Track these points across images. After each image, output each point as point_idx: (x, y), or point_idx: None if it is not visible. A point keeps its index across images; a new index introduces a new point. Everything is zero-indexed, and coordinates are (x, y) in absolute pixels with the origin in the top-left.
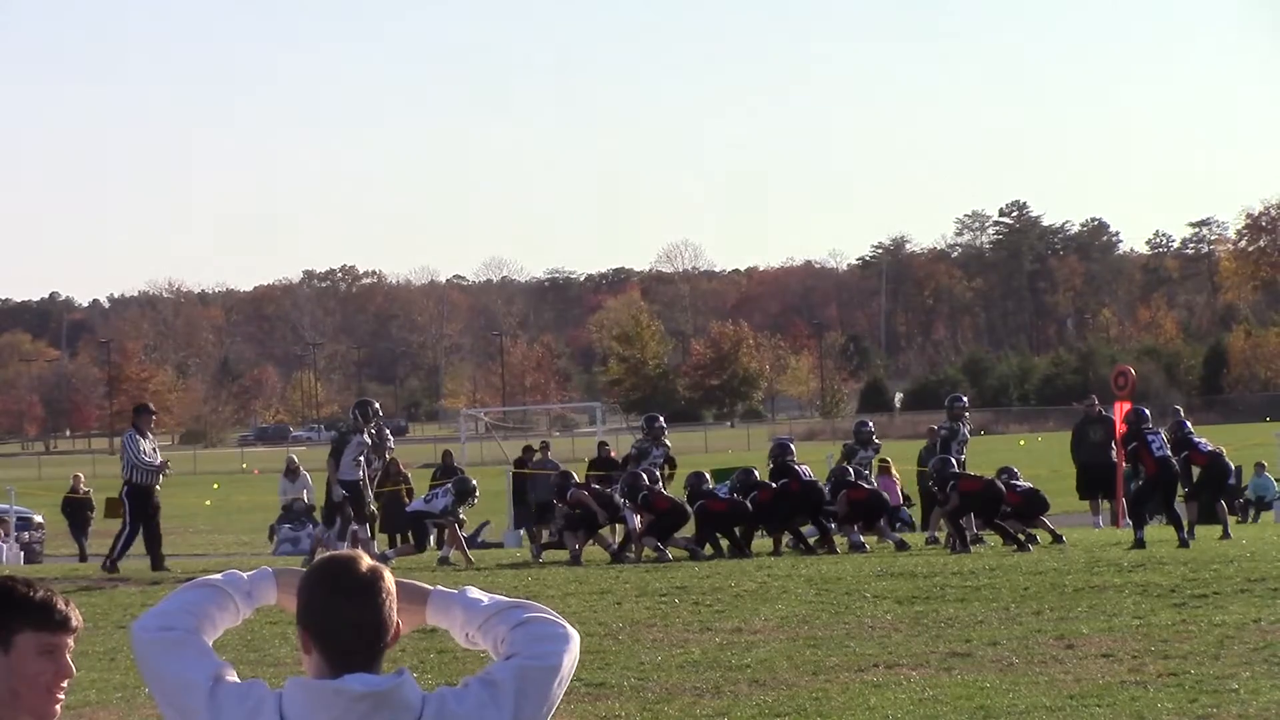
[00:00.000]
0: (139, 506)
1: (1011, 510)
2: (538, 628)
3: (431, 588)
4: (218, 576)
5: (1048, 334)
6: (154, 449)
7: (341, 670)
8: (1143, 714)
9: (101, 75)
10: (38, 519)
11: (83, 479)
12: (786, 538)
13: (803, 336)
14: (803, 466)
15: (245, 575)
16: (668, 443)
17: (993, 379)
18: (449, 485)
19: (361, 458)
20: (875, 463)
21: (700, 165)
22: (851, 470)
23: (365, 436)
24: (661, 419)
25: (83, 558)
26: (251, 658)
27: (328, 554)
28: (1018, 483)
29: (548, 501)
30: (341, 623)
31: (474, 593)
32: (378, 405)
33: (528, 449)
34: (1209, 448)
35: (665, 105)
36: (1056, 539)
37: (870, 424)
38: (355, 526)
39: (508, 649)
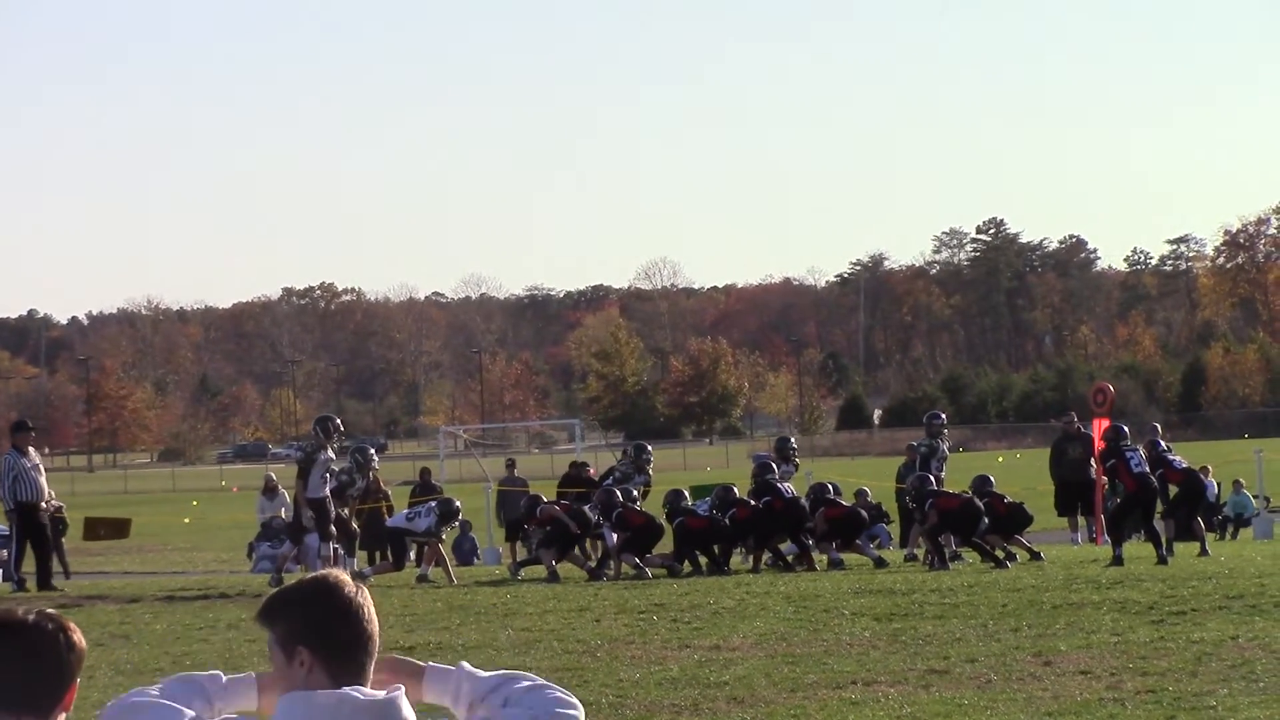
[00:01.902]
0: (23, 523)
1: (995, 523)
2: (552, 693)
3: (425, 664)
4: (201, 674)
5: (1026, 351)
6: (36, 466)
7: (344, 684)
8: None
9: (80, 91)
10: None
11: (54, 496)
12: (765, 555)
13: (781, 353)
14: (785, 484)
15: (225, 677)
16: (650, 472)
17: (971, 396)
18: (433, 505)
19: (328, 474)
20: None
21: (679, 182)
22: (830, 487)
23: (330, 452)
24: (649, 449)
25: (65, 574)
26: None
27: (318, 574)
28: (1004, 496)
29: (518, 520)
30: (351, 636)
31: (470, 667)
32: (339, 420)
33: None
34: (1183, 465)
35: (644, 121)
36: (1034, 556)
37: (793, 441)
38: (321, 544)
39: (523, 710)
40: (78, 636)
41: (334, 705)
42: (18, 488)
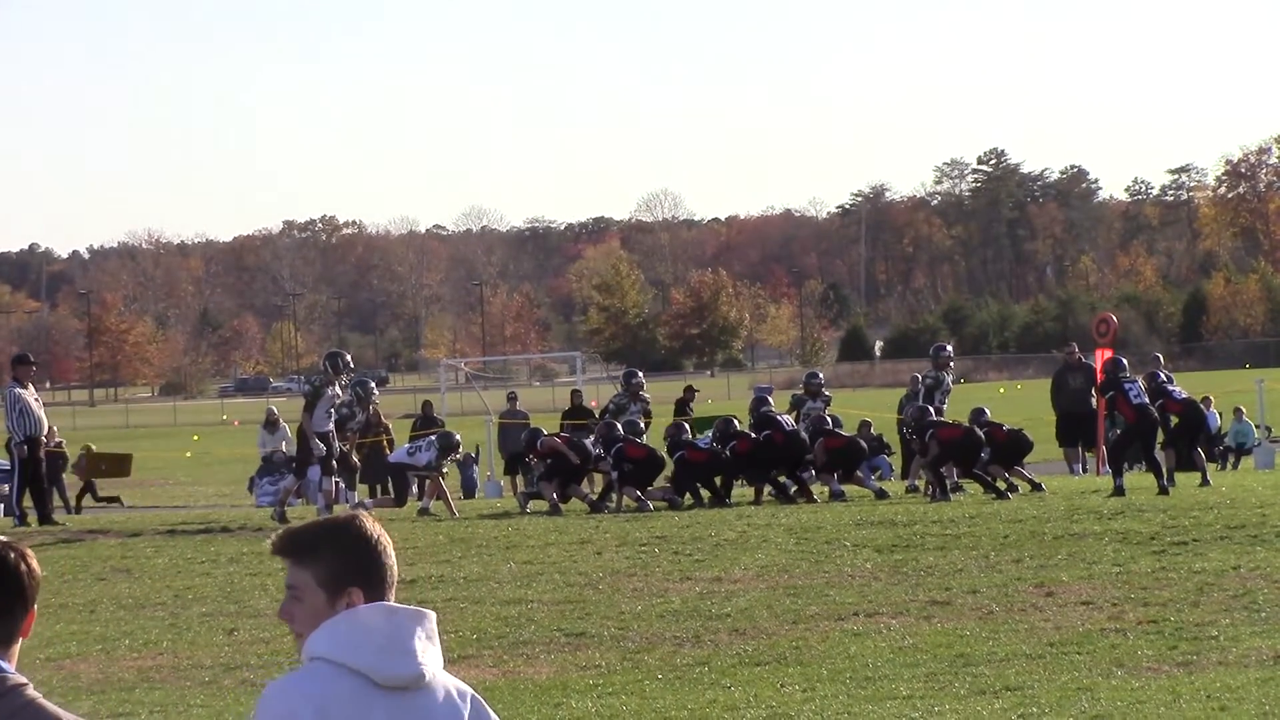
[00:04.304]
0: (30, 457)
1: (995, 452)
2: None
3: None
4: None
5: (1027, 282)
6: (37, 399)
7: None
8: (1122, 661)
9: (80, 26)
10: None
11: (56, 431)
12: (767, 487)
13: (782, 285)
14: (783, 417)
15: None
16: (646, 397)
17: (972, 327)
18: (433, 439)
19: (333, 409)
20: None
21: (680, 114)
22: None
23: (337, 388)
24: (640, 374)
25: (67, 509)
26: (231, 609)
27: (349, 515)
28: (1003, 425)
29: (519, 453)
30: (387, 576)
31: None
32: (349, 356)
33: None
34: (1183, 395)
35: (645, 54)
36: (1035, 487)
37: (820, 375)
38: (322, 478)
39: None
40: (36, 564)
41: (384, 609)
42: (24, 421)
